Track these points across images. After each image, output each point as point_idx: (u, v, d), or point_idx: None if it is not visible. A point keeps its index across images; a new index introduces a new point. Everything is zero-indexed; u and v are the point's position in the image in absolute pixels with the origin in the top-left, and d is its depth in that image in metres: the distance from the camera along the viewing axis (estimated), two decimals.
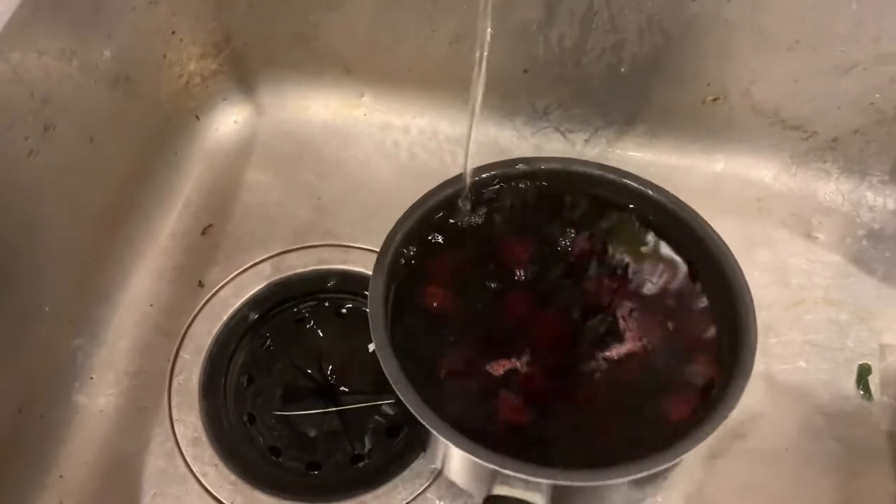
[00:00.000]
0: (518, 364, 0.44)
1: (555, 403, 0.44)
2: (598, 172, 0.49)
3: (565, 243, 0.49)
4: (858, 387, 0.53)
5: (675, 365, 0.44)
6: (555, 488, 0.38)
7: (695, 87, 0.58)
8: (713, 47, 0.55)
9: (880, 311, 0.56)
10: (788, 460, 0.51)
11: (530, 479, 0.38)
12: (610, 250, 0.49)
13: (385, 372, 0.41)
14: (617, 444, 0.42)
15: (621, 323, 0.45)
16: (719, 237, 0.46)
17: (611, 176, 0.49)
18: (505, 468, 0.38)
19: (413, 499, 0.50)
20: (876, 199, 0.61)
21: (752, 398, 0.52)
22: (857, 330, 0.56)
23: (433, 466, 0.50)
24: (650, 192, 0.48)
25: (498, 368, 0.44)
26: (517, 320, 0.46)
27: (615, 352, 0.44)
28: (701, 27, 0.53)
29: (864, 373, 0.54)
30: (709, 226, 0.46)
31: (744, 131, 0.60)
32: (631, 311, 0.46)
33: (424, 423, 0.40)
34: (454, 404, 0.42)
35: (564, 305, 0.47)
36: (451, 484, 0.49)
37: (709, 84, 0.58)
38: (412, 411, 0.40)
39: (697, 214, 0.47)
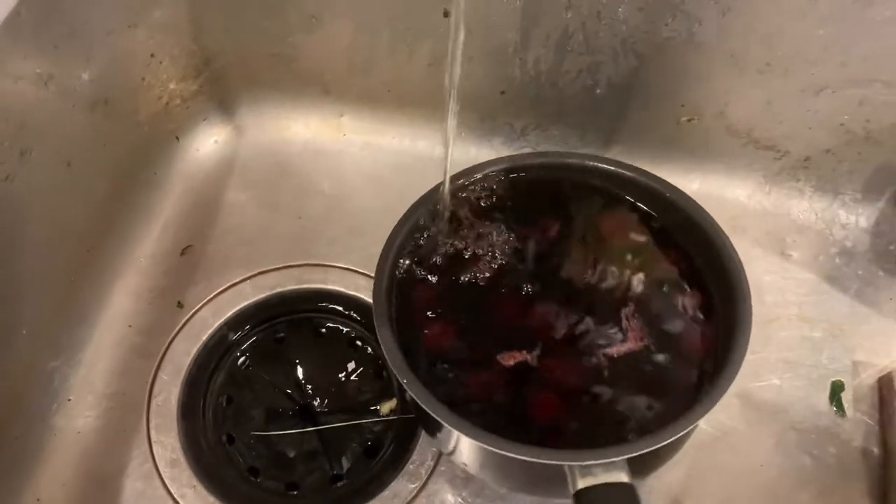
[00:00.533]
0: (529, 357, 0.45)
1: (574, 390, 0.44)
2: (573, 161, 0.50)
3: (552, 234, 0.50)
4: (832, 403, 0.54)
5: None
6: (631, 462, 0.38)
7: (669, 108, 0.59)
8: (687, 69, 0.56)
9: (853, 329, 0.57)
10: (763, 476, 0.52)
11: (611, 460, 0.38)
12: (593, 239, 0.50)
13: (432, 413, 0.41)
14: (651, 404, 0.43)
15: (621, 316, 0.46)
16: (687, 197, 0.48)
17: (582, 162, 0.50)
18: (586, 460, 0.38)
19: None
20: (848, 218, 0.62)
21: (726, 415, 0.54)
22: (830, 347, 0.56)
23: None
24: (627, 172, 0.49)
25: (509, 361, 0.45)
26: (519, 320, 0.47)
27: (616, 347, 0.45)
28: (674, 50, 0.54)
29: (837, 389, 0.54)
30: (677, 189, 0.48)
31: (718, 151, 0.61)
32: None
33: (499, 451, 0.39)
34: (492, 417, 0.43)
35: (561, 298, 0.47)
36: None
37: (683, 105, 0.58)
38: (480, 444, 0.40)
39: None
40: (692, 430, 0.41)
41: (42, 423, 0.53)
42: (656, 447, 0.38)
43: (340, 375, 0.56)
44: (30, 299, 0.52)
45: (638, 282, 0.48)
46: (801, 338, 0.57)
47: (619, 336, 0.45)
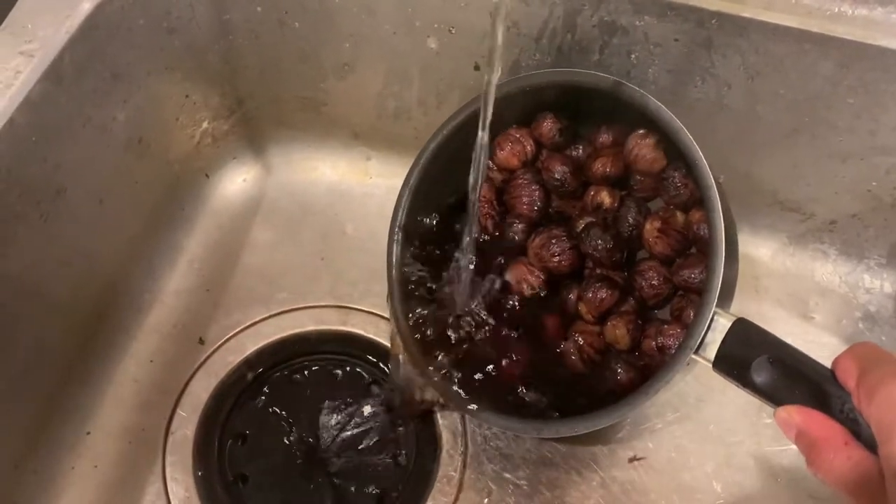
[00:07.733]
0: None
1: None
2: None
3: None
4: None
5: None
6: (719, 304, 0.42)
7: None
8: (714, 129, 0.56)
9: None
10: None
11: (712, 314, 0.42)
12: None
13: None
14: None
15: None
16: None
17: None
18: (699, 334, 0.41)
19: None
20: (873, 282, 0.61)
21: (745, 478, 0.53)
22: None
23: None
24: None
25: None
26: None
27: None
28: (702, 110, 0.54)
29: None
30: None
31: (742, 210, 0.60)
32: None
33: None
34: None
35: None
36: None
37: (709, 164, 0.58)
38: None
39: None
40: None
41: (60, 456, 0.53)
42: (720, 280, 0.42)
43: (356, 418, 0.56)
44: (56, 332, 0.53)
45: None
46: None
47: None
